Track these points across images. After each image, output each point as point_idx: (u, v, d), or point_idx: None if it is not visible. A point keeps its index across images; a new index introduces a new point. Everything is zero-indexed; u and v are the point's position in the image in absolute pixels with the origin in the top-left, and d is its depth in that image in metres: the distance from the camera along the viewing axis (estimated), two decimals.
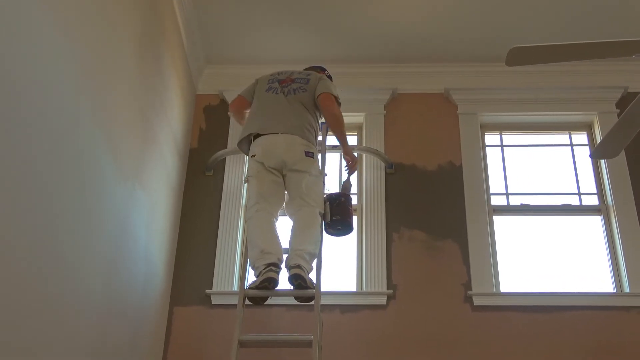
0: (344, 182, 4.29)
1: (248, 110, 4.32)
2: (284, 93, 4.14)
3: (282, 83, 4.21)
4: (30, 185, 2.52)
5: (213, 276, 4.65)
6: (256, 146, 3.97)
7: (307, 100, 4.14)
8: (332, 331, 4.25)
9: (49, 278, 2.72)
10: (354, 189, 5.00)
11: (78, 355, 3.04)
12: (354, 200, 4.64)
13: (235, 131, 5.02)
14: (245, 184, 4.12)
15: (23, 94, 2.45)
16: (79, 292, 3.03)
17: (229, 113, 4.55)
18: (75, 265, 2.99)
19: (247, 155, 4.09)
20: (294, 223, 3.87)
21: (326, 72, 4.47)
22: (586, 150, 5.22)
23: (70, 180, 2.90)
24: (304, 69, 4.47)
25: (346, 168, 4.31)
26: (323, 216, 3.94)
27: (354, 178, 5.07)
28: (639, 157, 4.96)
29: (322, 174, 4.10)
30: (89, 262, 3.14)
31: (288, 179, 3.94)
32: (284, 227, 3.95)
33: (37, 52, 2.57)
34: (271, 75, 4.32)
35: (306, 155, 3.93)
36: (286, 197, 4.00)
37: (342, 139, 4.21)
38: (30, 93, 2.50)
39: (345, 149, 4.26)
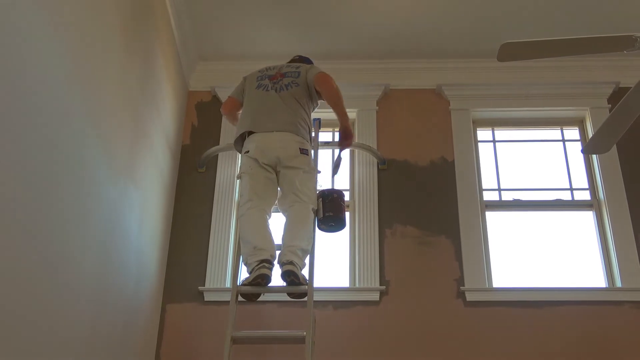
0: (336, 158, 4.34)
1: (240, 111, 4.31)
2: (275, 89, 4.12)
3: (273, 79, 4.20)
4: (21, 182, 2.51)
5: (206, 273, 4.65)
6: (250, 142, 3.97)
7: (300, 94, 4.13)
8: (325, 327, 4.24)
9: (40, 276, 2.71)
10: (346, 185, 5.02)
11: (70, 352, 3.04)
12: (347, 197, 4.64)
13: (227, 127, 5.02)
14: (238, 180, 4.12)
15: (13, 90, 2.44)
16: (70, 289, 3.02)
17: (221, 110, 4.55)
18: (67, 262, 2.98)
19: (241, 152, 4.09)
20: (286, 219, 3.87)
21: (313, 64, 4.47)
22: (578, 146, 5.23)
23: (62, 176, 2.89)
24: (291, 61, 4.46)
25: (339, 147, 4.30)
26: (316, 212, 3.94)
27: (346, 173, 5.09)
28: (631, 152, 4.97)
29: (315, 170, 4.10)
30: (80, 259, 3.13)
31: (282, 176, 3.94)
32: (277, 223, 3.95)
33: (28, 48, 2.56)
34: (259, 71, 4.31)
35: (301, 152, 3.94)
36: (279, 193, 4.00)
37: (342, 112, 4.17)
38: (20, 89, 2.49)
39: (344, 123, 4.20)
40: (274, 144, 3.92)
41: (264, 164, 3.91)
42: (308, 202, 3.89)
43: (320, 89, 4.15)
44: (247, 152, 3.96)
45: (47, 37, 2.73)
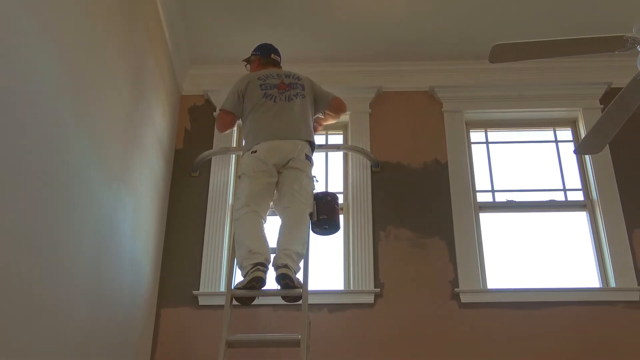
0: None
1: (237, 121, 4.40)
2: (285, 99, 4.23)
3: (280, 88, 4.27)
4: (14, 187, 2.50)
5: (200, 277, 4.64)
6: (261, 145, 4.01)
7: (308, 105, 4.31)
8: (320, 330, 4.24)
9: (35, 281, 2.70)
10: (340, 188, 5.03)
11: (65, 358, 3.02)
12: (340, 200, 4.65)
13: None
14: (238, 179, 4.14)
15: (4, 95, 2.43)
16: (65, 295, 3.01)
17: (219, 129, 4.55)
18: (61, 267, 2.97)
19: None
20: (283, 221, 3.89)
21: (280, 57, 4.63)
22: (571, 146, 5.24)
23: (55, 182, 2.88)
24: (271, 61, 4.54)
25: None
26: (310, 216, 3.96)
27: (339, 176, 5.11)
28: (623, 152, 4.98)
29: (313, 177, 4.15)
30: (74, 265, 3.12)
31: (284, 176, 3.99)
32: (271, 227, 3.96)
33: (19, 53, 2.55)
34: (259, 79, 4.32)
35: (306, 158, 4.06)
36: (275, 194, 4.03)
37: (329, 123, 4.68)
38: (12, 94, 2.48)
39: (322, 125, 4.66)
40: (286, 146, 4.02)
41: (273, 164, 3.97)
42: (305, 203, 3.93)
43: (338, 114, 4.54)
44: (255, 152, 3.99)
45: (39, 42, 2.72)
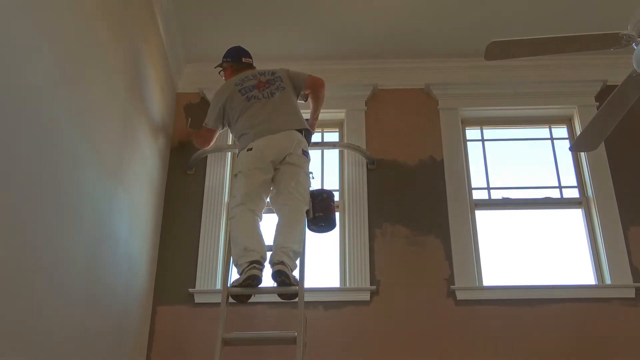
0: None
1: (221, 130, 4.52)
2: (267, 96, 4.25)
3: (259, 88, 4.30)
4: (8, 186, 2.50)
5: (196, 275, 4.63)
6: (256, 142, 4.01)
7: (290, 95, 4.31)
8: (316, 328, 4.24)
9: (30, 279, 2.70)
10: (335, 186, 5.03)
11: (61, 356, 3.02)
12: (336, 197, 4.65)
13: None
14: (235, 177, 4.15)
15: (0, 94, 2.42)
16: (61, 293, 3.01)
17: (201, 146, 4.63)
18: (57, 265, 2.97)
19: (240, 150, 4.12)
20: (280, 218, 3.90)
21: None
22: (566, 144, 5.25)
23: (50, 180, 2.88)
24: (246, 65, 4.61)
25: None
26: (306, 213, 3.96)
27: (335, 173, 5.11)
28: (619, 150, 4.99)
29: (310, 174, 4.15)
30: (70, 263, 3.12)
31: (281, 172, 4.00)
32: (267, 225, 3.96)
33: (15, 51, 2.54)
34: (235, 85, 4.37)
35: (303, 154, 4.06)
36: (272, 191, 4.03)
37: (319, 112, 4.52)
38: (7, 92, 2.48)
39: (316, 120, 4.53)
40: (282, 140, 4.03)
41: (270, 161, 3.98)
42: (302, 200, 3.94)
43: (317, 93, 4.41)
44: (250, 149, 3.99)
45: (35, 41, 2.72)
